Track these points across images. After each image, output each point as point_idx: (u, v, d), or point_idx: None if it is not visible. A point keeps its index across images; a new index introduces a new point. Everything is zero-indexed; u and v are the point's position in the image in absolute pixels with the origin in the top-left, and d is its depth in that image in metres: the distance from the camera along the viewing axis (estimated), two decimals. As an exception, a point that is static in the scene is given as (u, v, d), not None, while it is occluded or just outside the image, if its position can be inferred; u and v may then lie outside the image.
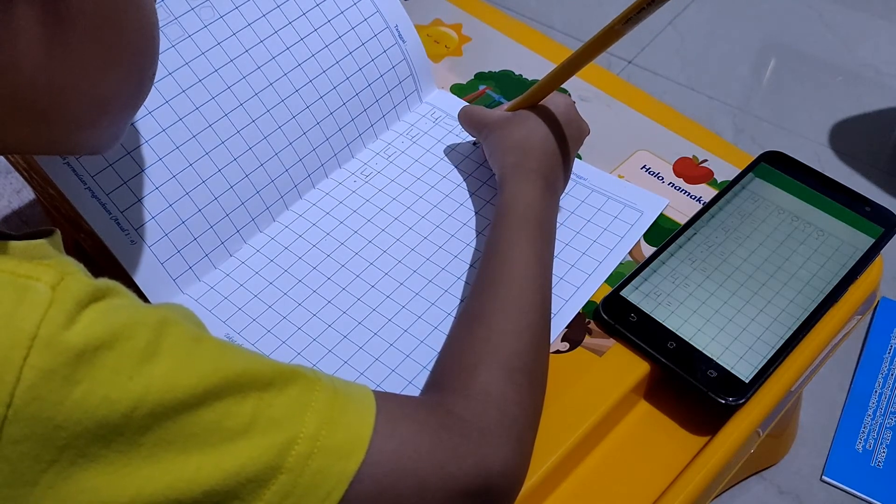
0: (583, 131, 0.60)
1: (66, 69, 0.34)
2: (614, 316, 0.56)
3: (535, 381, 0.47)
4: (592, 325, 0.56)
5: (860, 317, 0.62)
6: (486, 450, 0.41)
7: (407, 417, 0.39)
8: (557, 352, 0.55)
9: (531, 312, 0.48)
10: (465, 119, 0.63)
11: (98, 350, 0.30)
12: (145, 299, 0.54)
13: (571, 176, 0.61)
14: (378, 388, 0.52)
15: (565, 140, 0.58)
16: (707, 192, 0.65)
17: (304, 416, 0.35)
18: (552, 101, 0.59)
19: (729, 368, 0.53)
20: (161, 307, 0.34)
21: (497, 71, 0.75)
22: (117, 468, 0.31)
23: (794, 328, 0.56)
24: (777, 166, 0.65)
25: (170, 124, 0.55)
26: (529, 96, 0.59)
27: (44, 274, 0.30)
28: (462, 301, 0.56)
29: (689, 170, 0.67)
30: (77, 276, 0.31)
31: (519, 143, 0.57)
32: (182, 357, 0.33)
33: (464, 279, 0.58)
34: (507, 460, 0.42)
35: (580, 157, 0.66)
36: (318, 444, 0.35)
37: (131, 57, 0.37)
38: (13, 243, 0.33)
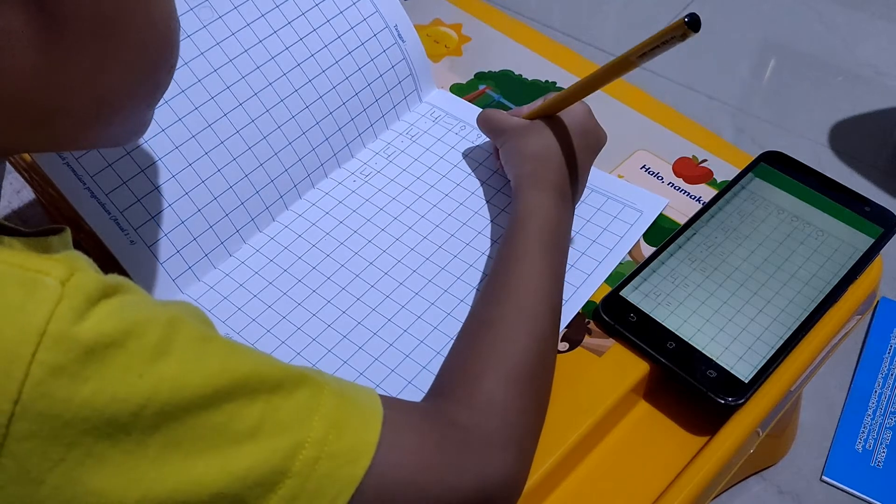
0: (600, 140, 0.60)
1: (67, 71, 0.33)
2: (614, 316, 0.56)
3: (540, 391, 0.47)
4: (592, 325, 0.56)
5: (860, 317, 0.62)
6: (487, 461, 0.41)
7: (410, 427, 0.39)
8: (557, 352, 0.54)
9: (540, 323, 0.48)
10: (483, 123, 0.63)
11: (109, 347, 0.30)
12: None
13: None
14: (378, 388, 0.52)
15: (581, 151, 0.58)
16: (707, 192, 0.65)
17: (312, 421, 0.35)
18: (570, 109, 0.58)
19: (728, 368, 0.53)
20: (171, 304, 0.34)
21: (497, 71, 0.75)
22: (124, 470, 0.31)
23: (794, 328, 0.56)
24: (777, 166, 0.65)
25: (169, 124, 0.55)
26: (547, 107, 0.58)
27: (53, 269, 0.30)
28: (462, 301, 0.56)
29: (689, 170, 0.67)
30: (87, 272, 0.31)
31: (535, 153, 0.57)
32: (192, 356, 0.32)
33: (464, 279, 0.58)
34: (508, 471, 0.42)
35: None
36: (325, 448, 0.35)
37: (140, 54, 0.36)
38: (21, 239, 0.33)
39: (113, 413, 0.30)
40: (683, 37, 0.45)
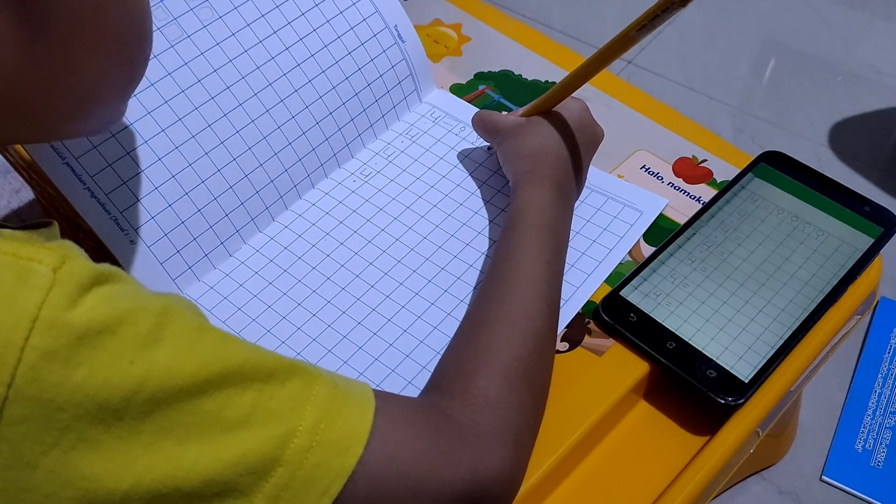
0: (597, 136, 0.60)
1: (50, 68, 0.34)
2: (614, 316, 0.56)
3: (537, 387, 0.47)
4: (592, 325, 0.56)
5: (860, 317, 0.62)
6: (482, 455, 0.41)
7: (404, 419, 0.39)
8: (557, 352, 0.55)
9: (536, 319, 0.48)
10: (478, 124, 0.63)
11: (100, 333, 0.30)
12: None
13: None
14: (378, 388, 0.51)
15: (578, 146, 0.58)
16: (707, 192, 0.65)
17: (304, 410, 0.35)
18: (566, 106, 0.58)
19: (728, 368, 0.53)
20: (164, 295, 0.34)
21: (496, 71, 0.75)
22: (117, 455, 0.31)
23: (794, 328, 0.56)
24: (776, 166, 0.65)
25: (169, 124, 0.55)
26: (543, 102, 0.58)
27: (46, 257, 0.31)
28: (462, 301, 0.56)
29: (689, 170, 0.67)
30: (79, 260, 0.31)
31: (532, 150, 0.57)
32: (184, 345, 0.33)
33: (464, 279, 0.58)
34: (503, 466, 0.41)
35: (580, 157, 0.66)
36: (316, 437, 0.35)
37: (119, 48, 0.37)
38: (11, 231, 0.33)
39: (105, 398, 0.30)
40: (683, 3, 0.44)
